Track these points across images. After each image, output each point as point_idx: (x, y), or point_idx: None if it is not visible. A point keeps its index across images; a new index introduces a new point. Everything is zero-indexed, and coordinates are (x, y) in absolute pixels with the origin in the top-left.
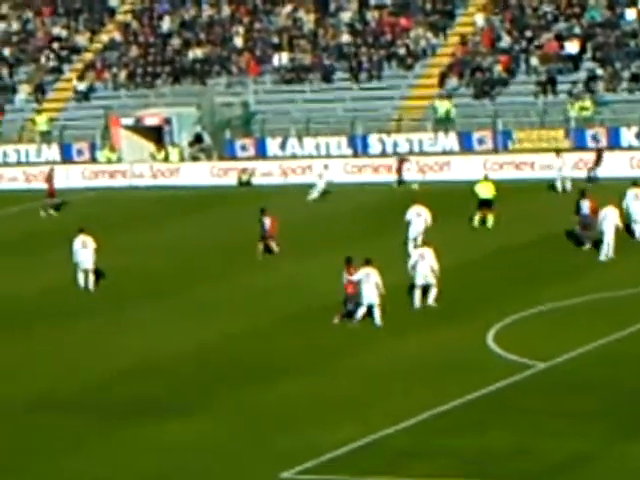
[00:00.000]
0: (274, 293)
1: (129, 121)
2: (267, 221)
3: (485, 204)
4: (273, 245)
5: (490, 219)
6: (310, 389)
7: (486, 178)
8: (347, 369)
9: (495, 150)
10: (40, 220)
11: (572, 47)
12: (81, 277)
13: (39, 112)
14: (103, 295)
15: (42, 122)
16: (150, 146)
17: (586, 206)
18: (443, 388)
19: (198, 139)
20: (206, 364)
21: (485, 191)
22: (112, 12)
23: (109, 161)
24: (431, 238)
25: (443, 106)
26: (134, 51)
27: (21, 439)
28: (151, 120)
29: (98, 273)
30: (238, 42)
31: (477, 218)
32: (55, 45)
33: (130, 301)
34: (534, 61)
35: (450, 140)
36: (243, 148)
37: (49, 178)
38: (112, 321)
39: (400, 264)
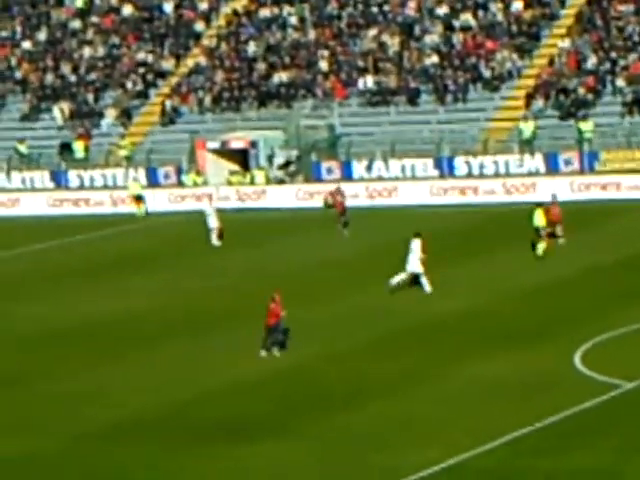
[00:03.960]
0: (359, 316)
1: (215, 145)
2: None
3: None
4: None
5: (540, 247)
6: (396, 411)
7: (539, 204)
8: (433, 391)
9: (581, 171)
10: (127, 243)
11: None
12: None
13: (122, 137)
14: (192, 316)
15: (123, 147)
16: (233, 168)
17: None
18: (529, 408)
19: (288, 163)
20: (295, 386)
21: (538, 219)
22: (198, 37)
23: (195, 184)
24: (518, 257)
25: (529, 128)
26: (220, 75)
27: (111, 461)
28: (237, 144)
29: None
30: (323, 65)
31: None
32: (141, 70)
33: (218, 322)
34: (620, 82)
35: (536, 161)
36: (329, 171)
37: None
38: (201, 342)
39: (485, 287)
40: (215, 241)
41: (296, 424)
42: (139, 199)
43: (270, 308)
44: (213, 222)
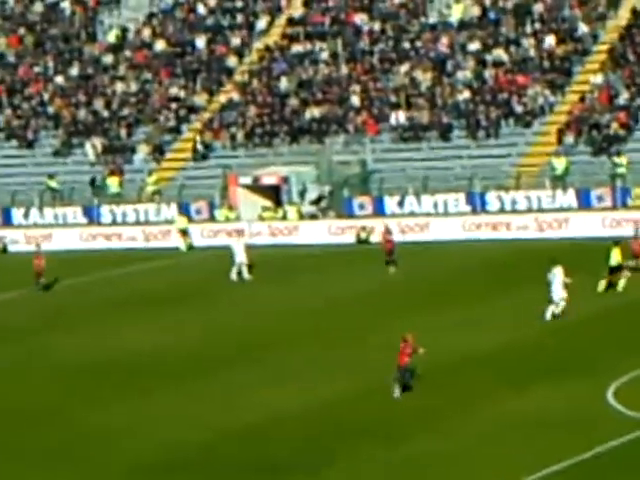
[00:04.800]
0: (393, 351)
1: (247, 180)
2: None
3: (615, 270)
4: None
5: (621, 282)
6: (433, 447)
7: (616, 243)
8: (468, 426)
9: (614, 207)
10: (159, 278)
11: None
12: None
13: (150, 173)
14: (224, 351)
15: (151, 182)
16: (266, 204)
17: None
18: (562, 444)
19: (320, 198)
20: (330, 421)
21: (615, 257)
22: (230, 72)
23: (227, 220)
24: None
25: (561, 163)
26: (252, 110)
27: None
28: (269, 179)
29: None
30: (355, 101)
31: (604, 282)
32: (173, 105)
33: (250, 357)
34: None
35: (568, 197)
36: (361, 206)
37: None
38: (233, 377)
39: (518, 322)
40: (234, 276)
41: (330, 460)
42: (185, 233)
43: (400, 348)
44: (240, 257)
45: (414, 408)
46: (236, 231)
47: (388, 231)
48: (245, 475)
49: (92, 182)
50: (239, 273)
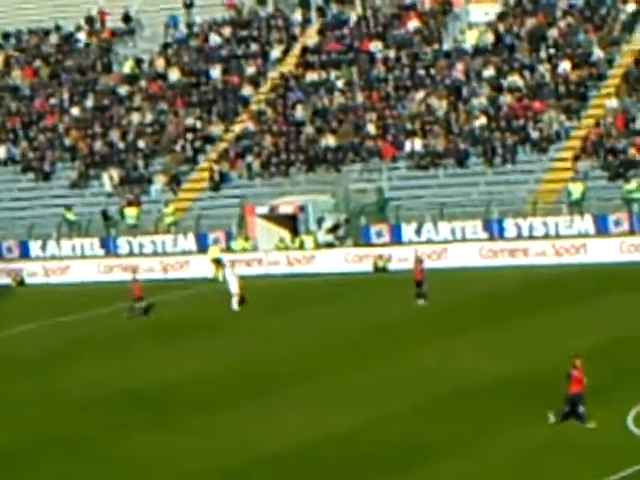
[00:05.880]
0: (411, 378)
1: (264, 210)
2: None
3: None
4: None
5: None
6: (453, 474)
7: None
8: (487, 453)
9: (631, 232)
10: (178, 309)
11: None
12: None
13: (166, 204)
14: (248, 382)
15: (168, 213)
16: (284, 234)
17: None
18: (582, 470)
19: (337, 226)
20: (351, 448)
21: None
22: (245, 102)
23: (244, 250)
24: (569, 319)
25: (578, 189)
26: (268, 140)
27: None
28: (286, 208)
29: None
30: (371, 129)
31: None
32: (189, 135)
33: (272, 387)
34: None
35: (585, 222)
36: (378, 234)
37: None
38: (260, 407)
39: (536, 349)
40: (235, 306)
41: None
42: (218, 263)
43: (571, 375)
44: (234, 288)
45: (434, 435)
46: (255, 260)
47: (419, 260)
48: None
49: (104, 215)
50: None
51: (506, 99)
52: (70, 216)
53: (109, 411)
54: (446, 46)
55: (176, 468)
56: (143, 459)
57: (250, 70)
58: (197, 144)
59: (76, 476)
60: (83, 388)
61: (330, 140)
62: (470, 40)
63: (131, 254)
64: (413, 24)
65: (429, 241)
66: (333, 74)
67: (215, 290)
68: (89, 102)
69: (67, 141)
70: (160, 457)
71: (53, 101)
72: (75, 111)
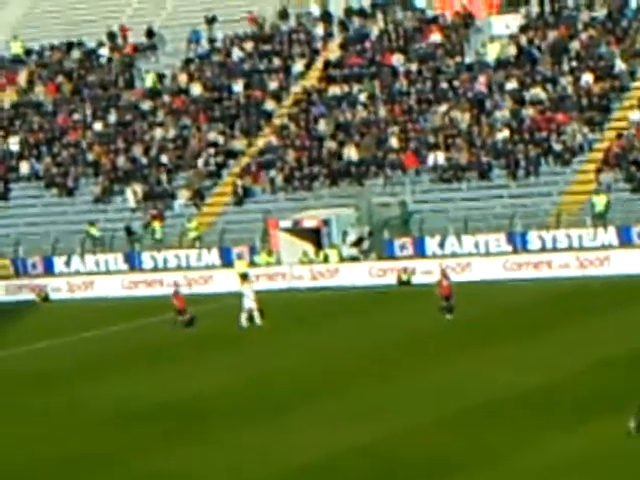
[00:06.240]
0: (435, 392)
1: (287, 224)
2: None
3: None
4: None
5: None
6: None
7: None
8: (512, 467)
9: None
10: (202, 323)
11: None
12: None
13: (189, 219)
14: (273, 395)
15: (192, 228)
16: (308, 248)
17: None
18: None
19: (361, 240)
20: (374, 462)
21: None
22: (268, 116)
23: (268, 264)
24: (593, 330)
25: (601, 201)
26: (290, 154)
27: None
28: (309, 222)
29: None
30: (394, 142)
31: None
32: (212, 150)
33: (297, 401)
34: None
35: (609, 235)
36: (402, 247)
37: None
38: (283, 421)
39: (561, 361)
40: (244, 322)
41: None
42: (245, 277)
43: None
44: (248, 303)
45: (457, 449)
46: (279, 275)
47: (445, 275)
48: None
49: (128, 230)
50: (250, 319)
51: (529, 112)
52: (94, 231)
53: (134, 425)
54: (468, 59)
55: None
56: (168, 473)
57: (273, 85)
58: (220, 159)
59: None
60: (108, 403)
61: (353, 154)
62: (492, 53)
63: (155, 269)
64: (435, 37)
65: (453, 254)
66: (355, 88)
67: (237, 305)
68: (112, 117)
69: (90, 156)
70: (186, 471)
71: (76, 117)
72: (98, 126)
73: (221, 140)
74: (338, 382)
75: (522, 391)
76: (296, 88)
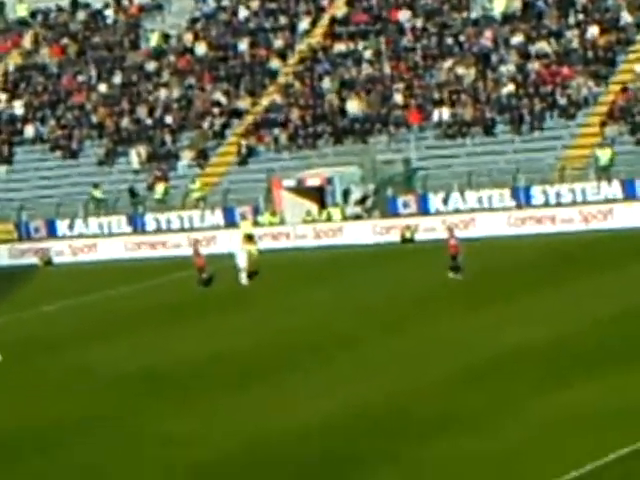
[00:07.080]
0: (437, 348)
1: (291, 183)
2: None
3: None
4: None
5: None
6: (483, 445)
7: None
8: (516, 422)
9: None
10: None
11: None
12: None
13: (193, 180)
14: (281, 354)
15: (196, 189)
16: (311, 207)
17: None
18: (612, 437)
19: (365, 198)
20: (381, 420)
21: None
22: (273, 75)
23: (271, 224)
24: (598, 285)
25: (605, 155)
26: (295, 113)
27: None
28: (313, 181)
29: None
30: (398, 99)
31: None
32: (216, 110)
33: (303, 360)
34: None
35: (613, 188)
36: (405, 205)
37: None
38: (290, 381)
39: (566, 316)
40: (244, 281)
41: (386, 457)
42: (250, 238)
43: None
44: (242, 262)
45: (460, 405)
46: (282, 234)
47: (450, 232)
48: (306, 472)
49: (132, 192)
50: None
51: (534, 66)
52: (98, 194)
53: (140, 389)
54: (474, 14)
55: (203, 443)
56: (174, 434)
57: (278, 43)
58: (224, 118)
59: (112, 453)
60: (114, 365)
61: (357, 110)
62: (498, 7)
63: (159, 231)
64: None
65: (456, 210)
66: (361, 45)
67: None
68: (117, 79)
69: (94, 118)
70: (193, 433)
71: (81, 78)
72: (102, 88)
73: (225, 100)
74: (343, 340)
75: (525, 346)
76: (301, 46)
